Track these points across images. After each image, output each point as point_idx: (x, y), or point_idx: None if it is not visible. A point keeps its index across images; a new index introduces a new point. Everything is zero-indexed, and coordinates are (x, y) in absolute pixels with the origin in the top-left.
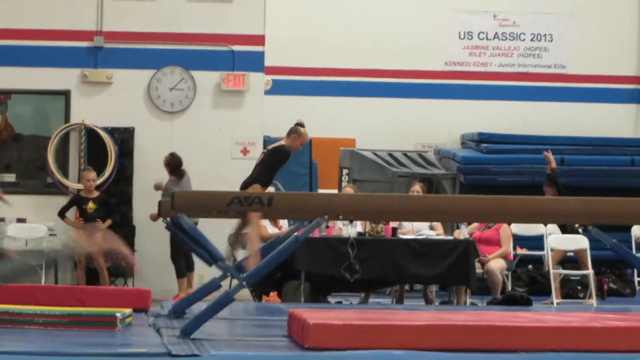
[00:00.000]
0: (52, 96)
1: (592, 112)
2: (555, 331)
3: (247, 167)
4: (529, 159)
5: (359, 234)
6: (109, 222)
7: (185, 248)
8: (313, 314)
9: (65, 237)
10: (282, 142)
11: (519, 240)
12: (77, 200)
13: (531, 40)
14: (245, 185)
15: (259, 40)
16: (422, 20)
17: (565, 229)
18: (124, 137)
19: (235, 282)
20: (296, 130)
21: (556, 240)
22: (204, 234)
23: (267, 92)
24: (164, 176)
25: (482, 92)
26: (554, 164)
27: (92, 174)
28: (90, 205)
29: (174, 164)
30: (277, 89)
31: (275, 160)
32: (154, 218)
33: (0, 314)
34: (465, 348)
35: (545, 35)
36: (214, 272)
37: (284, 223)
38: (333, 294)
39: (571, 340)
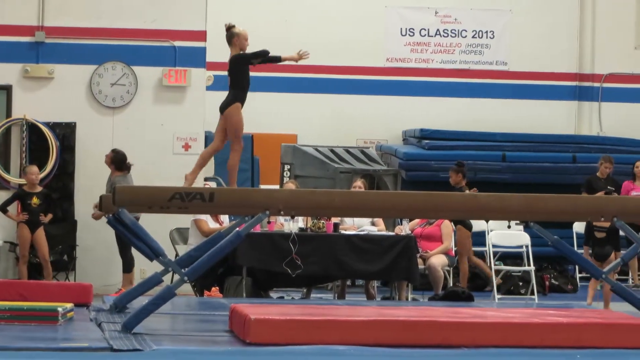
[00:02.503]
0: None
1: (533, 108)
2: (496, 327)
3: (188, 162)
4: (470, 155)
5: (301, 229)
6: (50, 216)
7: None
8: (254, 309)
9: None
10: (232, 53)
11: None
12: (21, 195)
13: (472, 37)
14: (226, 105)
15: (201, 35)
16: (363, 16)
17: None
18: (66, 132)
19: (176, 277)
20: (232, 34)
21: (497, 236)
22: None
23: (208, 88)
24: (105, 172)
25: (423, 89)
26: None
27: (36, 169)
28: (35, 200)
29: (118, 160)
30: (219, 84)
31: (237, 71)
32: (97, 217)
33: None
34: (406, 343)
35: (486, 32)
36: (156, 266)
37: (225, 218)
38: (275, 289)
39: (512, 336)
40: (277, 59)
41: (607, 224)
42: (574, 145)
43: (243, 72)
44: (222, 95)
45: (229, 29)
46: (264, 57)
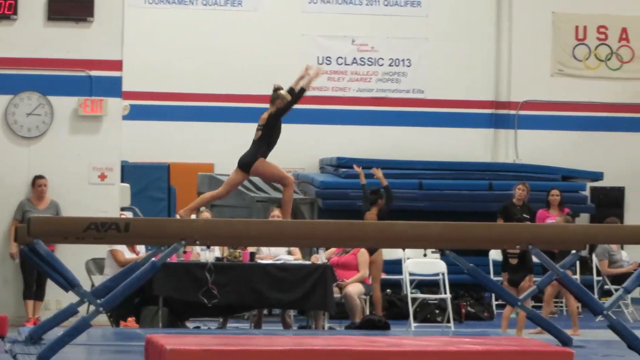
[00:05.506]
0: None
1: (450, 136)
2: (412, 355)
3: (105, 192)
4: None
5: (217, 259)
6: None
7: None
8: (170, 340)
9: None
10: (269, 111)
11: None
12: None
13: (389, 65)
14: (249, 164)
15: (117, 65)
16: (280, 45)
17: None
18: None
19: (92, 307)
20: (279, 95)
21: (413, 264)
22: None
23: (125, 117)
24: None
25: (340, 117)
26: (384, 182)
27: None
28: None
29: None
30: (136, 114)
31: (274, 127)
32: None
33: None
34: None
35: (403, 60)
36: (72, 297)
37: (141, 248)
38: (191, 319)
39: None
40: (303, 91)
41: (517, 250)
42: (491, 172)
43: (277, 129)
44: (139, 124)
45: (277, 90)
46: (296, 99)
